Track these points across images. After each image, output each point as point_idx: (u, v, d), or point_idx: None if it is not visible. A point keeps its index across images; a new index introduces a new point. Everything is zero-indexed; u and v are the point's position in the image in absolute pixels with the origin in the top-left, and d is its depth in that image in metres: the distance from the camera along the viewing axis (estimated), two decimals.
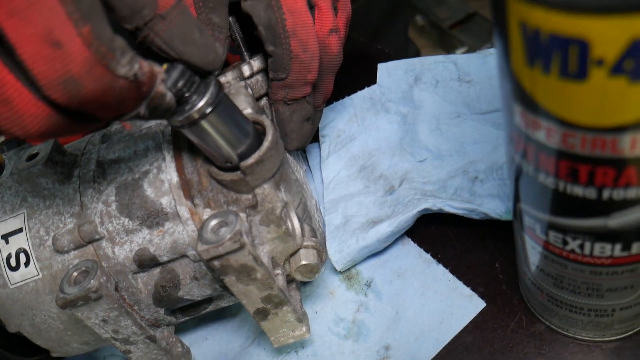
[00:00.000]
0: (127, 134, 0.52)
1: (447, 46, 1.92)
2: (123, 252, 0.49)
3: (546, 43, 0.26)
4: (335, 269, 0.59)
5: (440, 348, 0.52)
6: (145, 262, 0.49)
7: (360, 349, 0.55)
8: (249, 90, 0.53)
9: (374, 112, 0.69)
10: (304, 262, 0.50)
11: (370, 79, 0.74)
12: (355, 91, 0.73)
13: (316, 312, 0.58)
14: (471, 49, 1.70)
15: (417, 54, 1.33)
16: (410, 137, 0.65)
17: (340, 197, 0.64)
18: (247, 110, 0.50)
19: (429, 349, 0.52)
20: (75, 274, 0.47)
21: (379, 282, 0.58)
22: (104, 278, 0.46)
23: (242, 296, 0.48)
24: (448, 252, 0.58)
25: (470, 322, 0.53)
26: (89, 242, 0.48)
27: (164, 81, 0.38)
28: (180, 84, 0.40)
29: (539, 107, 0.30)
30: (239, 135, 0.44)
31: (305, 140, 0.58)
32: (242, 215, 0.46)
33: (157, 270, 0.50)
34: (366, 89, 0.71)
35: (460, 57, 0.67)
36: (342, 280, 0.59)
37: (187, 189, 0.47)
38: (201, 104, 0.40)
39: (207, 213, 0.47)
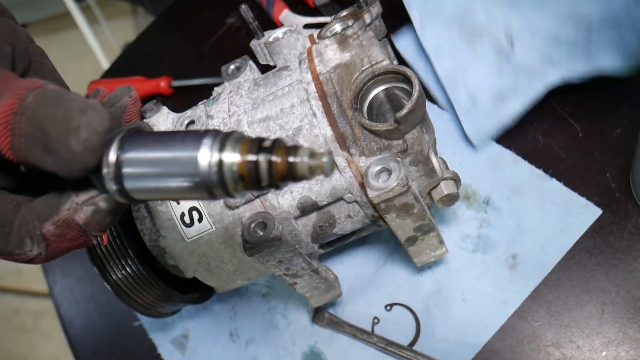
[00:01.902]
0: (270, 93, 0.56)
1: None
2: (286, 201, 0.55)
3: None
4: None
5: (564, 253, 0.59)
6: (307, 208, 0.55)
7: (489, 259, 0.62)
8: (376, 38, 0.56)
9: None
10: (446, 193, 0.55)
11: None
12: None
13: (442, 232, 0.65)
14: None
15: None
16: None
17: (453, 69, 0.66)
18: (385, 62, 0.53)
19: (554, 255, 0.59)
20: (252, 225, 0.53)
21: (496, 199, 0.64)
22: (280, 227, 0.52)
23: (397, 228, 0.54)
24: (558, 167, 0.63)
25: (589, 228, 0.59)
26: (257, 197, 0.54)
27: (81, 206, 0.37)
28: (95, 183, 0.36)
29: None
30: (181, 144, 0.33)
31: None
32: (398, 159, 0.51)
33: (314, 213, 0.56)
34: None
35: None
36: (462, 201, 0.66)
37: (342, 140, 0.52)
38: (105, 170, 0.34)
39: (362, 161, 0.52)
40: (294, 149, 0.32)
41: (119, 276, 0.60)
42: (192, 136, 0.33)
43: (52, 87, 0.35)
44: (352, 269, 0.68)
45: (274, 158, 0.32)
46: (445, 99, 0.66)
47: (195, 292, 0.67)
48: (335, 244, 0.62)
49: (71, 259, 0.87)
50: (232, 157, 0.32)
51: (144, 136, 0.35)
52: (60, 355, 2.17)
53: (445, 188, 0.56)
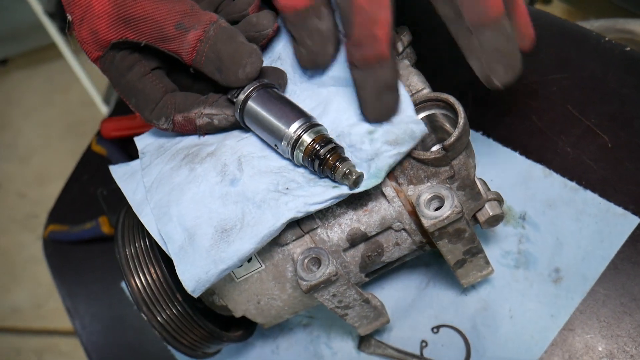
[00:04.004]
0: None
1: None
2: (335, 234, 0.55)
3: None
4: None
5: (607, 263, 0.60)
6: (357, 239, 0.55)
7: (532, 275, 0.63)
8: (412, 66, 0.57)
9: None
10: (492, 214, 0.56)
11: None
12: None
13: None
14: None
15: None
16: None
17: (166, 195, 0.54)
18: (426, 90, 0.54)
19: (597, 266, 0.60)
20: (305, 261, 0.53)
21: (532, 214, 0.65)
22: (335, 261, 0.52)
23: (448, 253, 0.55)
24: (591, 178, 0.64)
25: (629, 237, 0.60)
26: (307, 232, 0.54)
27: (204, 115, 0.55)
28: (230, 95, 0.55)
29: None
30: (285, 113, 0.51)
31: (385, 114, 0.50)
32: (448, 186, 0.52)
33: (362, 244, 0.56)
34: None
35: None
36: None
37: (391, 171, 0.52)
38: (240, 97, 0.53)
39: (410, 189, 0.53)
40: (342, 160, 0.50)
41: (166, 319, 0.60)
42: (294, 112, 0.51)
43: (224, 24, 0.53)
44: (394, 294, 0.68)
45: (329, 156, 0.49)
46: (159, 236, 0.54)
47: (238, 329, 0.67)
48: (380, 271, 0.62)
49: (99, 304, 0.86)
50: (307, 139, 0.50)
51: (267, 96, 0.53)
52: None
53: (491, 209, 0.56)
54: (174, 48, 0.53)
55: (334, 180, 0.51)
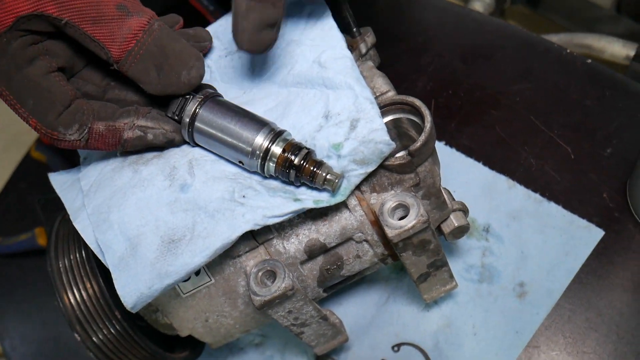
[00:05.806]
0: None
1: None
2: (292, 246, 0.51)
3: None
4: None
5: (572, 277, 0.58)
6: (315, 251, 0.51)
7: (497, 289, 0.60)
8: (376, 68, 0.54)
9: None
10: (457, 225, 0.53)
11: None
12: None
13: None
14: None
15: None
16: None
17: (107, 200, 0.49)
18: (391, 92, 0.51)
19: (562, 280, 0.58)
20: (259, 274, 0.49)
21: (496, 227, 0.63)
22: (291, 275, 0.48)
23: (412, 266, 0.52)
24: (554, 190, 0.63)
25: (594, 250, 0.59)
26: (262, 243, 0.50)
27: (136, 127, 0.47)
28: (170, 113, 0.49)
29: None
30: (244, 124, 0.46)
31: (259, 48, 0.47)
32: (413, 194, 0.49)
33: (321, 256, 0.52)
34: None
35: (217, 26, 0.56)
36: None
37: None
38: (186, 113, 0.48)
39: (373, 197, 0.50)
40: (318, 165, 0.46)
41: (102, 339, 0.54)
42: (254, 122, 0.47)
43: (166, 27, 0.47)
44: (352, 310, 0.64)
45: (304, 163, 0.46)
46: (95, 244, 0.48)
47: (184, 349, 0.61)
48: (339, 286, 0.59)
49: (32, 323, 0.79)
50: (277, 150, 0.46)
51: (218, 107, 0.48)
52: None
53: (456, 220, 0.54)
54: (104, 34, 0.44)
55: (312, 188, 0.47)
